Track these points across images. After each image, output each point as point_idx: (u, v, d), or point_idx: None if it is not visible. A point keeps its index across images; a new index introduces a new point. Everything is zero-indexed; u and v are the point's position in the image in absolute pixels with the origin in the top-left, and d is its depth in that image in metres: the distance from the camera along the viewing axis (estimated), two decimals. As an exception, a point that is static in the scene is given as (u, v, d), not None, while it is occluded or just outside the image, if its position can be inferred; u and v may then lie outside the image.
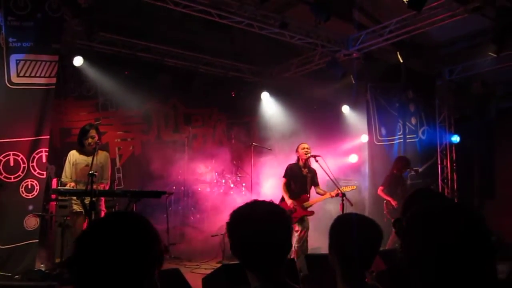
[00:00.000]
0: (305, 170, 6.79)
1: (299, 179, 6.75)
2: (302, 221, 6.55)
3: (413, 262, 1.28)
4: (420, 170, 9.55)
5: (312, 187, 6.85)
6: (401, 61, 8.66)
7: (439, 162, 10.40)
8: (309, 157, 6.71)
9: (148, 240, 1.25)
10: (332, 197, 6.66)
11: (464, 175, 10.47)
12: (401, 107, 9.78)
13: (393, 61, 8.95)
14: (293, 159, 7.06)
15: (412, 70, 9.34)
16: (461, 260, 1.19)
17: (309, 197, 6.74)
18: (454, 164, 10.53)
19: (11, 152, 5.97)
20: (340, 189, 6.48)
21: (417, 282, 1.29)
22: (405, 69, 9.09)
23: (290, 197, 6.58)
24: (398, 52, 8.60)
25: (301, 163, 6.79)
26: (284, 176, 6.78)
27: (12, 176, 5.94)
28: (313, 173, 6.87)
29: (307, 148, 6.79)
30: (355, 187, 7.05)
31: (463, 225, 1.24)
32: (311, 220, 6.78)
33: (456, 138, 10.50)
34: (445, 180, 10.41)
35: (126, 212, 1.78)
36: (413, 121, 10.04)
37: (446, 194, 10.07)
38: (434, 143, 10.37)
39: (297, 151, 6.87)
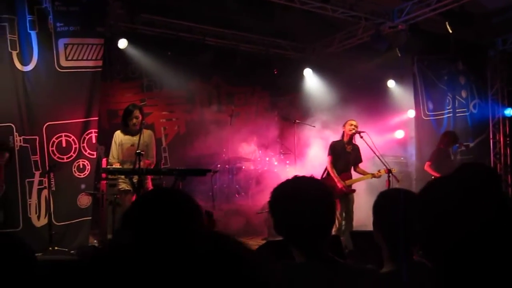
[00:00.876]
0: (349, 147, 6.66)
1: (342, 156, 6.64)
2: (344, 198, 6.48)
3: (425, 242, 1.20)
4: (471, 145, 9.20)
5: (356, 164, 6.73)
6: (450, 31, 8.25)
7: (491, 137, 9.96)
8: (354, 133, 6.58)
9: (189, 213, 1.27)
10: (375, 177, 6.50)
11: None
12: (450, 80, 9.39)
13: (441, 32, 8.55)
14: (337, 137, 6.96)
15: (462, 40, 8.89)
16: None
17: (351, 174, 6.64)
18: (508, 139, 10.06)
19: (63, 134, 6.23)
20: (382, 171, 6.34)
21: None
22: (455, 40, 8.67)
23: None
24: (446, 22, 8.20)
25: (345, 139, 6.67)
26: (329, 154, 6.70)
27: (65, 157, 6.22)
28: (357, 150, 6.73)
29: (354, 125, 6.61)
30: (395, 170, 6.71)
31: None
32: (356, 196, 6.71)
33: (509, 112, 9.99)
34: (498, 156, 9.97)
35: (166, 188, 1.83)
36: (464, 94, 9.63)
37: (498, 170, 9.66)
38: (486, 117, 9.91)
39: (344, 126, 6.75)
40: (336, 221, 6.38)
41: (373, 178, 6.65)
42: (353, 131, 6.56)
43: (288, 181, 1.71)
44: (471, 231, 1.07)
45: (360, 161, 6.75)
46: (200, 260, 0.53)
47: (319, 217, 1.60)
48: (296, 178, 1.71)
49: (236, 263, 0.55)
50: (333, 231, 6.14)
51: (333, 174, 6.51)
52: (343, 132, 6.73)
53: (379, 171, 6.49)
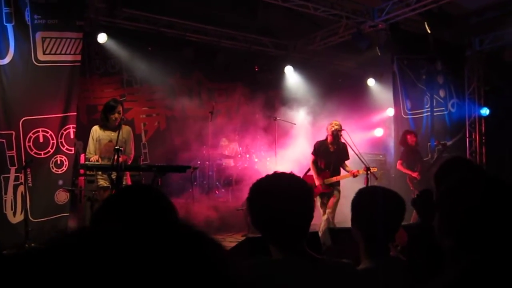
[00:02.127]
0: (332, 147, 6.70)
1: (324, 156, 6.69)
2: (325, 196, 6.54)
3: (449, 234, 1.28)
4: (449, 143, 9.36)
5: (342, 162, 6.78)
6: (429, 31, 8.38)
7: (467, 135, 10.16)
8: (335, 132, 6.58)
9: (161, 210, 1.27)
10: (354, 176, 6.53)
11: (493, 150, 10.21)
12: (428, 79, 9.54)
13: (421, 32, 8.68)
14: (319, 135, 7.01)
15: (440, 40, 9.04)
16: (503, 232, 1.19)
17: (329, 173, 6.66)
18: (483, 138, 10.28)
19: (40, 129, 6.12)
20: (360, 170, 6.42)
21: (454, 254, 1.28)
22: (433, 40, 8.80)
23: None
24: (425, 22, 8.32)
25: (329, 139, 6.69)
26: (312, 153, 6.76)
27: (42, 152, 6.12)
28: (343, 148, 6.69)
29: (334, 124, 6.66)
30: (376, 169, 6.77)
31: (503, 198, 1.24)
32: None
33: (485, 111, 10.21)
34: (473, 154, 10.19)
35: (137, 185, 1.81)
36: (442, 93, 9.80)
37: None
38: (463, 116, 10.12)
39: (327, 128, 6.77)
40: (326, 216, 6.42)
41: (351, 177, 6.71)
42: (333, 129, 6.57)
43: (267, 177, 1.69)
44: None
45: (347, 158, 6.76)
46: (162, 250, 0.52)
47: (297, 214, 1.60)
48: (275, 174, 1.71)
49: (200, 257, 0.54)
50: (324, 226, 6.21)
51: (314, 172, 6.58)
52: (328, 133, 6.73)
53: (357, 170, 6.55)
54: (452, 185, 1.35)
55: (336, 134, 6.56)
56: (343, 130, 6.56)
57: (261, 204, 1.63)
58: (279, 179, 1.67)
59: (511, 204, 1.24)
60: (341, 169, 6.75)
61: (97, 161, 5.37)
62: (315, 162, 6.68)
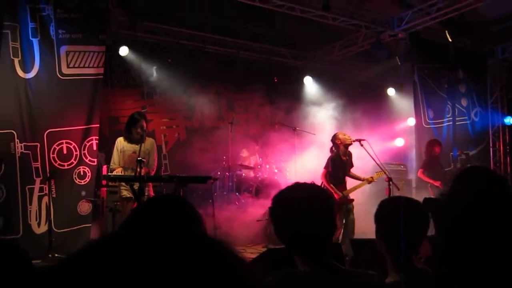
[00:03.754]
0: (345, 158, 6.70)
1: (341, 168, 6.68)
2: (343, 209, 6.50)
3: (450, 247, 1.23)
4: (471, 153, 9.20)
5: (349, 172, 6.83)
6: (450, 40, 8.30)
7: (491, 145, 9.97)
8: (353, 141, 6.59)
9: (188, 220, 1.27)
10: (369, 182, 6.56)
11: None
12: (450, 88, 9.42)
13: (441, 41, 8.61)
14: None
15: (461, 49, 8.95)
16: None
17: (344, 186, 6.68)
18: (508, 147, 10.07)
19: (64, 141, 6.23)
20: (374, 175, 6.47)
21: (456, 268, 1.25)
22: (454, 49, 8.71)
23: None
24: (446, 31, 8.25)
25: (341, 150, 6.67)
26: (326, 168, 6.71)
27: (65, 164, 6.22)
28: (350, 156, 6.82)
29: (348, 136, 6.68)
30: (383, 173, 6.73)
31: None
32: (356, 205, 6.72)
33: (509, 120, 10.02)
34: (497, 164, 9.99)
35: (167, 195, 1.83)
36: (464, 102, 9.66)
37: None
38: (486, 125, 9.94)
39: (337, 138, 6.74)
40: (343, 230, 6.40)
41: (373, 187, 6.67)
42: (349, 140, 6.59)
43: (289, 187, 1.70)
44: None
45: (352, 166, 6.83)
46: (186, 261, 0.53)
47: (320, 224, 1.59)
48: (297, 185, 1.70)
49: (225, 269, 0.55)
50: (342, 237, 6.17)
51: (329, 187, 6.51)
52: (338, 144, 6.70)
53: (372, 176, 6.54)
54: (453, 196, 1.30)
55: (347, 146, 6.62)
56: (364, 140, 6.52)
57: (284, 214, 1.62)
58: (301, 189, 1.67)
59: None
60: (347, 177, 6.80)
61: (121, 172, 5.45)
62: (327, 176, 6.65)
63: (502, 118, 10.05)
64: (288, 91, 10.53)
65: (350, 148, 6.83)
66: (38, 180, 6.07)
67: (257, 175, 8.70)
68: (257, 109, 10.53)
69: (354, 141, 6.60)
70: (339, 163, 6.68)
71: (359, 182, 6.78)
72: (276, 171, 8.81)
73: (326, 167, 6.70)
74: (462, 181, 2.46)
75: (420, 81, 9.07)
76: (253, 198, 8.27)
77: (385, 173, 6.34)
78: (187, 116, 9.68)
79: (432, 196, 7.54)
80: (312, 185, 1.83)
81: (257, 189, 8.26)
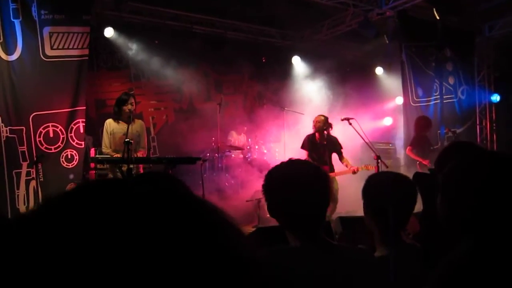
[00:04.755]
0: (320, 141, 6.74)
1: (316, 149, 6.73)
2: None
3: (453, 217, 1.24)
4: (459, 131, 9.28)
5: (336, 156, 6.81)
6: (437, 18, 8.28)
7: (478, 122, 10.07)
8: (317, 129, 6.64)
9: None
10: (354, 173, 6.51)
11: (504, 136, 10.11)
12: (437, 66, 9.44)
13: (429, 19, 8.58)
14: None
15: (449, 27, 8.93)
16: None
17: (329, 167, 6.66)
18: (494, 125, 10.18)
19: (50, 124, 6.16)
20: (361, 167, 6.49)
21: (456, 237, 1.26)
22: (442, 27, 8.70)
23: None
24: (434, 9, 8.22)
25: (316, 135, 6.75)
26: (303, 147, 6.77)
27: (52, 147, 6.16)
28: (334, 141, 6.77)
29: (316, 121, 6.73)
30: (374, 167, 6.70)
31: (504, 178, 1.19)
32: (346, 184, 6.75)
33: (496, 97, 10.10)
34: (484, 141, 10.10)
35: (152, 172, 1.79)
36: (451, 80, 9.70)
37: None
38: (473, 103, 10.02)
39: (313, 121, 6.83)
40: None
41: (362, 164, 6.72)
42: (317, 126, 6.66)
43: (283, 164, 1.68)
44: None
45: (340, 148, 6.79)
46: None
47: (315, 200, 1.59)
48: (291, 161, 1.69)
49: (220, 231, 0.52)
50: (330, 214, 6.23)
51: None
52: (313, 126, 6.81)
53: (358, 167, 6.52)
54: (455, 166, 1.31)
55: (321, 130, 6.61)
56: (352, 118, 6.54)
57: (278, 191, 1.61)
58: (295, 166, 1.66)
59: None
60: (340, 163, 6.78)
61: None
62: (310, 157, 6.67)
63: (489, 96, 10.14)
64: (276, 71, 10.48)
65: (340, 129, 6.86)
66: (25, 164, 6.01)
67: (246, 156, 8.70)
68: (246, 90, 10.48)
69: (342, 119, 6.62)
70: (310, 144, 6.75)
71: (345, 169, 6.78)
72: (265, 151, 8.82)
73: (302, 146, 6.88)
74: (447, 157, 2.47)
75: (408, 59, 9.07)
76: (242, 178, 8.29)
77: (373, 151, 6.38)
78: (175, 98, 9.61)
79: (421, 173, 7.61)
80: (307, 162, 1.82)
81: (246, 170, 8.28)
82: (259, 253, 0.57)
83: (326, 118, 6.76)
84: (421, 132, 7.92)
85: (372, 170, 6.26)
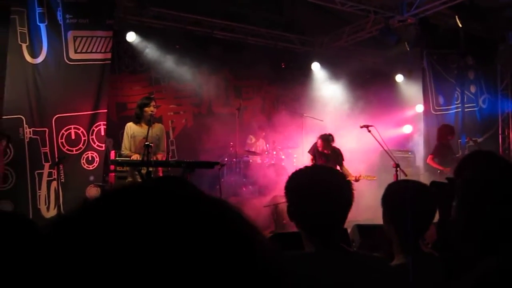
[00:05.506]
0: (326, 151, 7.02)
1: (320, 157, 6.97)
2: None
3: (471, 227, 1.22)
4: (480, 140, 9.13)
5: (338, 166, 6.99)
6: (460, 25, 8.18)
7: (500, 132, 9.88)
8: (361, 127, 6.72)
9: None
10: (356, 181, 6.67)
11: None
12: (459, 74, 9.33)
13: (451, 26, 8.48)
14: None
15: (472, 35, 8.82)
16: None
17: None
18: (517, 134, 9.98)
19: (72, 126, 6.28)
20: (363, 176, 6.81)
21: (470, 248, 1.24)
22: (464, 34, 8.60)
23: None
24: (456, 16, 8.13)
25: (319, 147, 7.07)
26: (310, 152, 7.14)
27: (74, 149, 6.27)
28: (337, 153, 7.05)
29: (319, 145, 7.01)
30: (375, 177, 6.97)
31: None
32: (365, 193, 6.74)
33: (519, 107, 9.91)
34: (507, 151, 9.90)
35: (170, 176, 1.81)
36: (472, 89, 9.57)
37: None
38: (495, 112, 9.84)
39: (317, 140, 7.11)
40: None
41: (381, 175, 6.74)
42: (322, 147, 6.97)
43: (306, 168, 1.68)
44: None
45: (341, 162, 7.09)
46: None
47: (336, 206, 1.59)
48: (314, 166, 1.70)
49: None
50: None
51: None
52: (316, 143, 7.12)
53: (360, 175, 6.83)
54: (473, 177, 1.28)
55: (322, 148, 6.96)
56: (372, 126, 6.55)
57: (301, 194, 1.61)
58: (318, 171, 1.66)
59: None
60: None
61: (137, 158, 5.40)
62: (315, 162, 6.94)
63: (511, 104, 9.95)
64: (295, 77, 10.48)
65: (358, 136, 6.95)
66: (47, 165, 6.13)
67: (264, 161, 8.71)
68: (265, 95, 10.50)
69: (361, 127, 6.63)
70: (316, 152, 7.09)
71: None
72: (283, 157, 8.81)
73: (309, 150, 7.28)
74: (467, 165, 2.43)
75: (429, 67, 8.98)
76: (260, 184, 8.29)
77: (392, 159, 6.33)
78: (195, 103, 9.68)
79: (440, 182, 7.50)
80: (330, 168, 1.82)
81: (264, 175, 8.28)
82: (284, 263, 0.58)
83: (327, 138, 7.02)
84: (443, 140, 7.80)
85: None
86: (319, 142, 7.00)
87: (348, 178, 5.61)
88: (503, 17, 8.94)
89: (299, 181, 1.63)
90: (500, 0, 8.26)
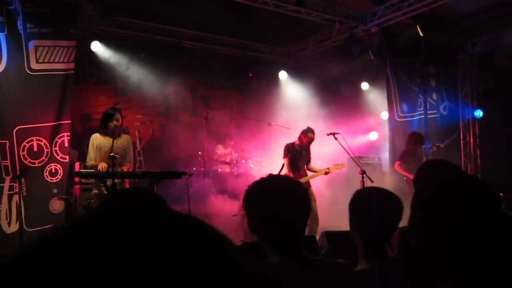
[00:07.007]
0: (300, 150, 7.06)
1: (296, 157, 7.02)
2: None
3: (422, 239, 1.23)
4: (442, 146, 9.38)
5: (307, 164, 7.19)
6: (421, 35, 8.44)
7: (461, 137, 10.20)
8: (309, 141, 6.94)
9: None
10: (326, 173, 6.89)
11: (488, 151, 10.24)
12: (422, 82, 9.59)
13: (413, 35, 8.74)
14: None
15: (433, 44, 9.10)
16: (476, 236, 1.14)
17: (302, 174, 7.01)
18: (478, 140, 10.32)
19: (34, 138, 6.09)
20: (331, 167, 6.89)
21: (427, 258, 1.25)
22: (426, 43, 8.86)
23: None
24: (418, 26, 8.38)
25: (297, 143, 7.04)
26: (285, 156, 7.04)
27: (36, 161, 6.08)
28: (307, 150, 7.13)
29: (310, 136, 6.97)
30: (344, 165, 7.27)
31: (475, 200, 1.19)
32: (329, 198, 6.85)
33: (479, 113, 10.25)
34: (468, 156, 10.22)
35: (134, 188, 1.80)
36: (434, 96, 9.85)
37: (469, 170, 9.90)
38: (456, 119, 10.15)
39: (305, 134, 6.96)
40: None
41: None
42: (310, 139, 6.95)
43: (263, 179, 1.69)
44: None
45: (309, 160, 7.18)
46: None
47: (294, 215, 1.60)
48: (271, 177, 1.70)
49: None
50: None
51: (290, 174, 6.72)
52: (301, 137, 6.99)
53: (329, 168, 6.89)
54: (424, 188, 1.31)
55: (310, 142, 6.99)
56: (338, 133, 6.64)
57: (257, 206, 1.62)
58: (274, 181, 1.67)
59: (494, 204, 1.20)
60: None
61: (104, 168, 5.27)
62: (291, 165, 6.98)
63: (472, 111, 10.29)
64: (263, 86, 10.54)
65: (325, 143, 7.04)
66: (8, 179, 5.92)
67: (233, 170, 8.69)
68: (232, 105, 10.50)
69: (328, 134, 6.72)
70: (294, 151, 7.04)
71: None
72: (252, 165, 8.82)
73: (284, 155, 7.10)
74: (422, 175, 2.50)
75: (392, 75, 9.20)
76: (228, 193, 8.26)
77: (358, 166, 6.43)
78: (162, 112, 9.59)
79: (407, 190, 7.64)
80: (286, 177, 1.83)
81: (233, 184, 8.25)
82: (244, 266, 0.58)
83: (313, 130, 7.05)
84: (413, 147, 7.93)
85: (343, 169, 7.12)
86: (310, 136, 6.93)
87: (318, 173, 5.78)
88: (462, 27, 9.28)
89: (255, 193, 1.64)
90: (458, 11, 8.57)
